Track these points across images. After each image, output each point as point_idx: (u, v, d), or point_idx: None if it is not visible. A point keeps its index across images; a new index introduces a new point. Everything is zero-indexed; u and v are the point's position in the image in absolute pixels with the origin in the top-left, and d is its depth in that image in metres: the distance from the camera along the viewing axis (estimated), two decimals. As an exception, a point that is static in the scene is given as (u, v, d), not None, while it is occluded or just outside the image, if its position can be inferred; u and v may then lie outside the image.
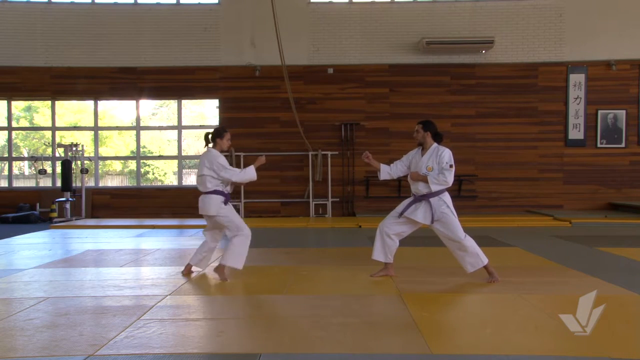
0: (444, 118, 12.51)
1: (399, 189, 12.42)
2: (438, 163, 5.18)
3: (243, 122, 12.36)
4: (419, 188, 5.26)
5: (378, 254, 5.42)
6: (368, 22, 12.63)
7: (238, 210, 11.64)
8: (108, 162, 17.26)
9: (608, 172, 12.54)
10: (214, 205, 5.35)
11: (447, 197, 5.27)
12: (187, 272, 5.70)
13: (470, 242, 5.18)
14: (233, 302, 4.62)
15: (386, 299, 4.64)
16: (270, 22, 8.90)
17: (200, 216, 5.62)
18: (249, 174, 5.41)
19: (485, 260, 5.18)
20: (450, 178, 5.16)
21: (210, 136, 5.52)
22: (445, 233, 5.23)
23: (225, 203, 5.39)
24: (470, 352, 3.27)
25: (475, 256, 5.17)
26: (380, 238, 5.42)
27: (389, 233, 5.38)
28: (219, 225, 5.53)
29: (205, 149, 5.54)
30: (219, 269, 5.35)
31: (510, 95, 12.53)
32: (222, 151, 5.49)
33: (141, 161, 14.15)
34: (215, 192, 5.36)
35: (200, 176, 5.41)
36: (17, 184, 14.63)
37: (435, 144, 5.30)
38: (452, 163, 5.18)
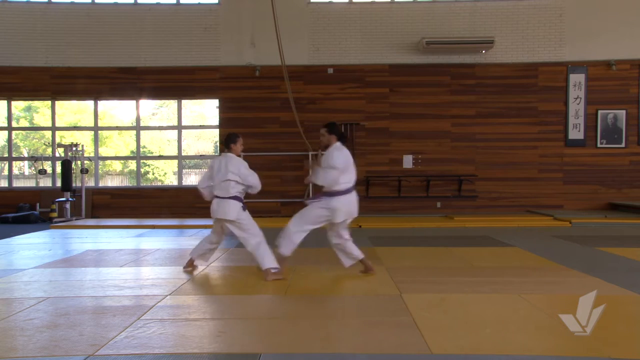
0: (444, 118, 12.54)
1: (399, 189, 12.43)
2: (325, 160, 5.30)
3: (243, 122, 12.36)
4: None
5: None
6: (368, 22, 12.63)
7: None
8: (108, 162, 17.26)
9: (608, 172, 12.54)
10: (234, 210, 5.39)
11: (328, 199, 5.27)
12: (189, 265, 5.81)
13: (289, 231, 5.35)
14: (233, 302, 4.62)
15: (386, 299, 4.64)
16: (270, 22, 8.89)
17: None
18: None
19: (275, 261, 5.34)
20: (321, 176, 5.19)
21: (224, 142, 5.62)
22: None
23: (244, 209, 5.47)
24: (470, 352, 3.27)
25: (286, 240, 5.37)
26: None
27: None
28: (228, 230, 5.57)
29: (224, 153, 5.61)
30: (268, 275, 5.34)
31: (510, 95, 12.53)
32: (237, 155, 5.58)
33: (141, 161, 14.16)
34: (236, 197, 5.42)
35: (224, 181, 5.39)
36: (17, 184, 14.63)
37: (337, 144, 5.37)
38: (335, 164, 5.18)
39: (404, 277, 5.40)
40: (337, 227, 5.39)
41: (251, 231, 5.47)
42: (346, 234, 5.45)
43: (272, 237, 5.64)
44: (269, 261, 5.35)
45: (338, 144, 5.37)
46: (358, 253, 5.49)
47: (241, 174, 5.38)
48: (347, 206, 5.29)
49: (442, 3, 12.62)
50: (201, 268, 6.02)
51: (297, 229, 5.37)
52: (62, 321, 3.94)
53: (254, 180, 5.42)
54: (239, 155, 5.60)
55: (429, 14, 12.58)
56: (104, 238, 9.00)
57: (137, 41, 12.68)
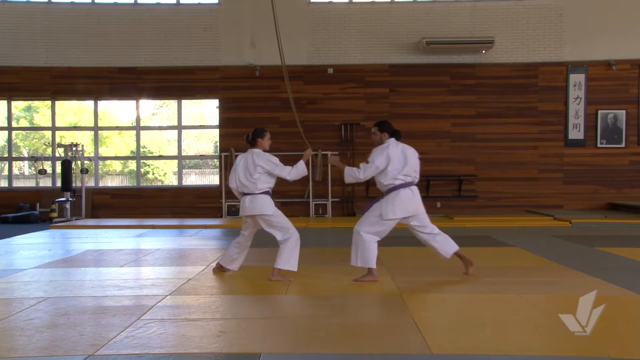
0: (444, 118, 12.54)
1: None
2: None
3: (243, 122, 12.35)
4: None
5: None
6: (368, 22, 12.63)
7: (237, 210, 11.65)
8: (108, 162, 17.25)
9: (608, 172, 12.54)
10: (269, 205, 5.32)
11: (387, 200, 5.19)
12: (218, 270, 5.70)
13: (363, 238, 5.18)
14: (233, 302, 4.62)
15: (386, 299, 4.64)
16: (270, 22, 8.86)
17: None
18: (301, 169, 5.39)
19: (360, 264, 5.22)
20: (361, 172, 5.19)
21: (250, 137, 5.51)
22: None
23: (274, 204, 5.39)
24: (470, 352, 3.27)
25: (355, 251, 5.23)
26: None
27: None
28: (259, 226, 5.47)
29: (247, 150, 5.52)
30: (275, 274, 5.30)
31: (510, 95, 12.53)
32: (264, 151, 5.48)
33: (141, 161, 14.16)
34: (267, 192, 5.37)
35: (251, 177, 5.33)
36: (17, 184, 14.62)
37: (390, 141, 5.29)
38: (373, 159, 5.18)
39: (404, 277, 5.39)
40: (412, 224, 5.33)
41: (283, 227, 5.35)
42: (428, 229, 5.33)
43: (272, 237, 5.60)
44: (284, 263, 5.26)
45: (390, 140, 5.30)
46: (451, 246, 5.34)
47: (269, 167, 5.32)
48: (398, 203, 5.16)
49: (442, 3, 12.62)
50: (201, 268, 6.03)
51: (364, 234, 5.22)
52: (62, 321, 3.94)
53: (282, 173, 5.32)
54: (266, 151, 5.52)
55: (429, 14, 12.58)
56: (104, 238, 9.00)
57: (137, 41, 12.68)
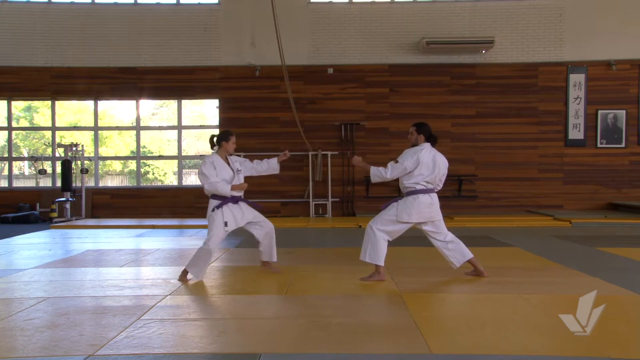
0: (444, 118, 12.52)
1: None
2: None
3: (243, 122, 12.36)
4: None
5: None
6: (368, 22, 12.63)
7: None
8: (108, 162, 17.26)
9: (608, 172, 12.53)
10: (208, 208, 5.45)
11: (405, 202, 5.17)
12: (264, 265, 5.69)
13: (375, 234, 5.18)
14: (233, 302, 4.62)
15: (386, 299, 4.64)
16: (270, 22, 8.88)
17: (200, 216, 5.64)
18: (221, 189, 5.27)
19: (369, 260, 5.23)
20: (388, 172, 5.17)
21: (215, 139, 5.51)
22: None
23: (216, 208, 5.33)
24: (470, 352, 3.27)
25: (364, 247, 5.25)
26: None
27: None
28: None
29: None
30: (181, 273, 5.39)
31: (510, 95, 12.53)
32: (229, 154, 5.47)
33: (141, 161, 14.16)
34: (213, 196, 5.39)
35: None
36: (17, 184, 14.62)
37: (424, 145, 5.25)
38: (402, 160, 5.16)
39: (404, 277, 5.39)
40: (425, 229, 5.31)
41: (208, 234, 5.41)
42: (441, 236, 5.31)
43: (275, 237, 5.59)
44: (190, 268, 5.30)
45: (426, 144, 5.25)
46: (467, 253, 5.32)
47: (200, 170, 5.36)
48: (415, 207, 5.14)
49: (442, 3, 12.62)
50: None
51: (378, 232, 5.20)
52: (62, 321, 3.94)
53: (200, 179, 5.32)
54: (230, 154, 5.49)
55: (429, 14, 12.58)
56: (104, 238, 9.00)
57: (137, 41, 12.68)
